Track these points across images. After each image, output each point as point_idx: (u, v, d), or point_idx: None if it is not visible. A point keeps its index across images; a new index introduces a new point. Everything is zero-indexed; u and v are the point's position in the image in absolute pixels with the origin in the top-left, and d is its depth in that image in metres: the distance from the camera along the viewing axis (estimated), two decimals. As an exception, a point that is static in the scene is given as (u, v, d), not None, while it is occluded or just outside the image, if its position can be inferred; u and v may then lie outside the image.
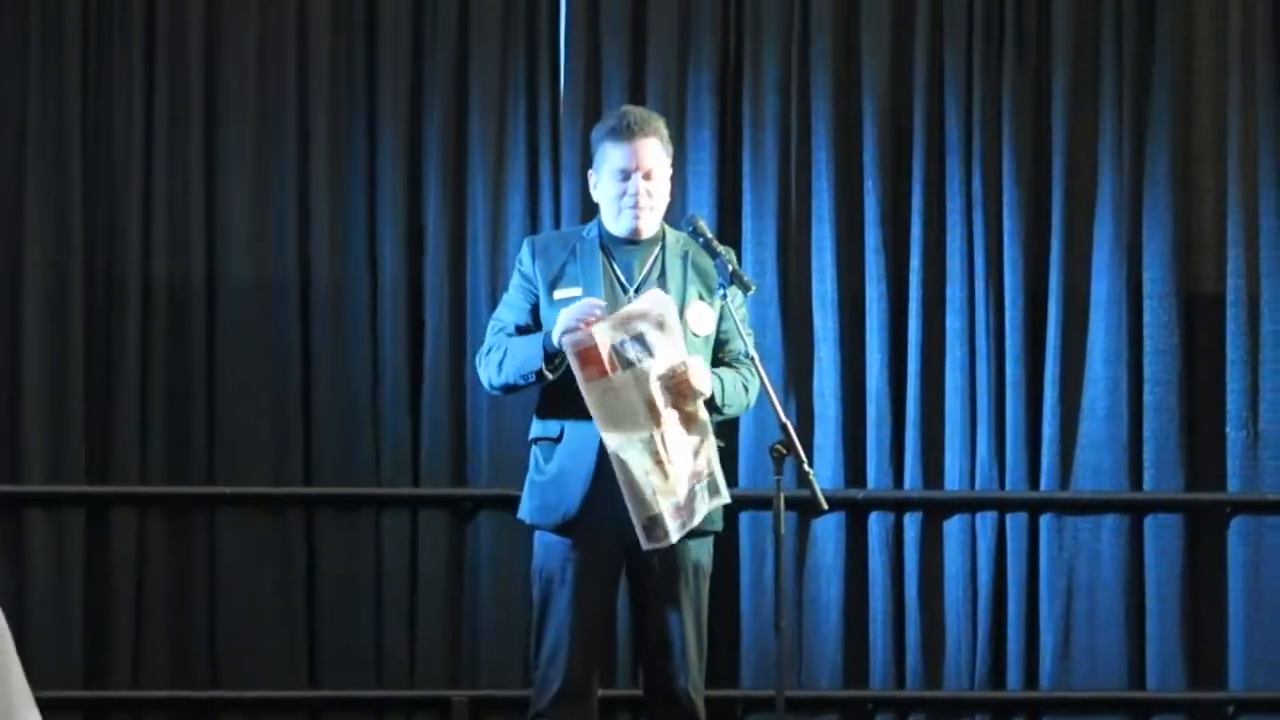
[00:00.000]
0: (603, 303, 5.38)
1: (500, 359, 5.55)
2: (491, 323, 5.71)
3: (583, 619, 5.51)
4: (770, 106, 6.95)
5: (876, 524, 6.90)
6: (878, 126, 6.94)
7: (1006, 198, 6.92)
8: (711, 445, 5.48)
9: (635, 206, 5.56)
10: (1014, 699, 6.92)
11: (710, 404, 5.49)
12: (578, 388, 5.35)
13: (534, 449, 5.60)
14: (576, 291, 5.51)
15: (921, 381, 6.90)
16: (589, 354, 5.33)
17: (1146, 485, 6.88)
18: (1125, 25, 6.93)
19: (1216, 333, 6.94)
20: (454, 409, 6.88)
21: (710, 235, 5.56)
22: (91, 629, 6.82)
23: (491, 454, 6.84)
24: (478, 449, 6.87)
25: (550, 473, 5.54)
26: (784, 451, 5.31)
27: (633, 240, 5.61)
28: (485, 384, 5.64)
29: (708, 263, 5.58)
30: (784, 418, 5.32)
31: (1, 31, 6.87)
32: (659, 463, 5.34)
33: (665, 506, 5.34)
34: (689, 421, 5.43)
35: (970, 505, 6.90)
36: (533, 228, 6.87)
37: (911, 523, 6.90)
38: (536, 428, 5.60)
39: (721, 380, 5.53)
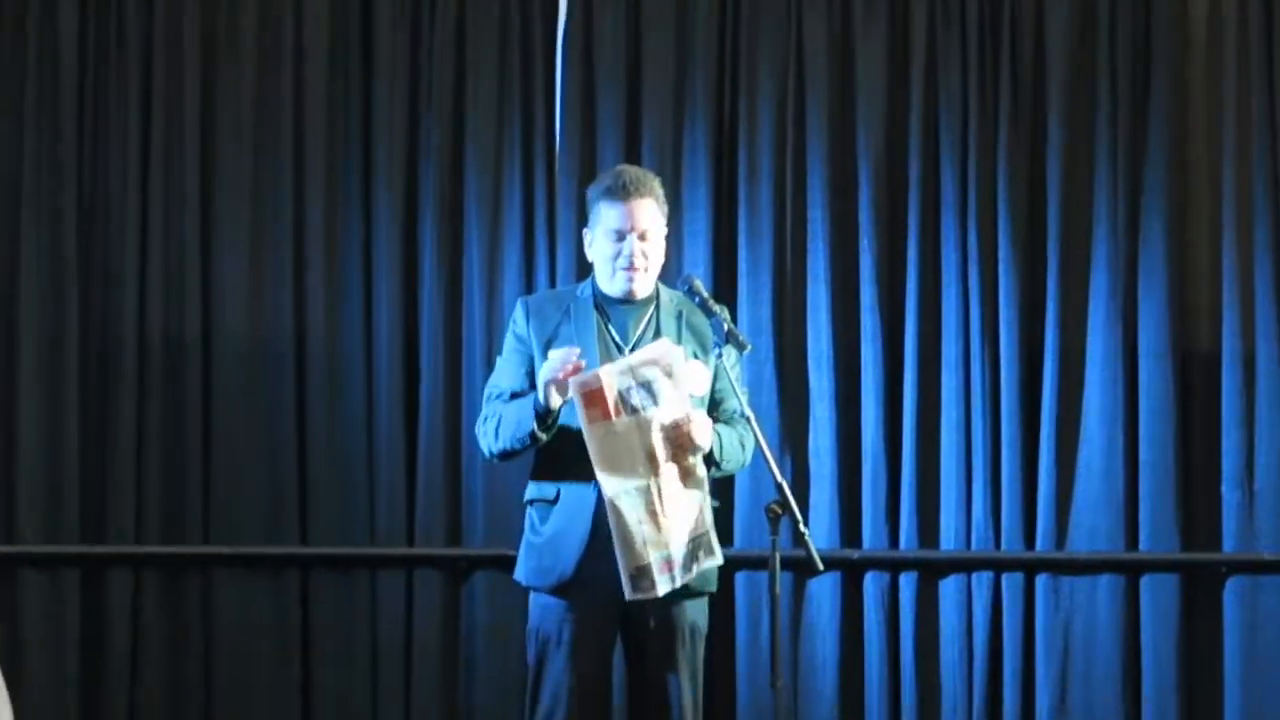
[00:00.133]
0: (579, 349, 5.37)
1: (496, 426, 5.55)
2: (487, 389, 5.71)
3: (579, 680, 5.50)
4: (765, 165, 6.96)
5: (872, 584, 6.89)
6: (873, 185, 6.95)
7: (1002, 256, 6.92)
8: (707, 504, 5.48)
9: (630, 268, 5.56)
10: (1011, 758, 6.92)
11: (708, 459, 5.49)
12: (573, 451, 5.36)
13: (530, 510, 5.60)
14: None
15: (917, 440, 6.89)
16: (594, 395, 5.33)
17: (1142, 545, 6.87)
18: (1120, 85, 6.95)
19: (1212, 392, 6.93)
20: (449, 469, 6.88)
21: (706, 294, 5.56)
22: (87, 689, 6.82)
23: (487, 514, 6.84)
24: (473, 509, 6.87)
25: (546, 534, 5.53)
26: (779, 511, 5.29)
27: (628, 300, 5.61)
28: (485, 452, 5.63)
29: (703, 322, 5.59)
30: (779, 477, 5.30)
31: (-3, 92, 6.92)
32: (653, 513, 5.34)
33: (655, 559, 5.33)
34: (687, 477, 5.43)
35: (966, 565, 6.89)
36: (528, 286, 6.89)
37: (907, 583, 6.89)
38: (532, 490, 5.59)
39: (720, 436, 5.54)
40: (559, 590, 5.50)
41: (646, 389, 5.36)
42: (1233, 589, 6.88)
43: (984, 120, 6.97)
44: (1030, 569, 6.89)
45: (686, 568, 5.39)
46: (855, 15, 7.00)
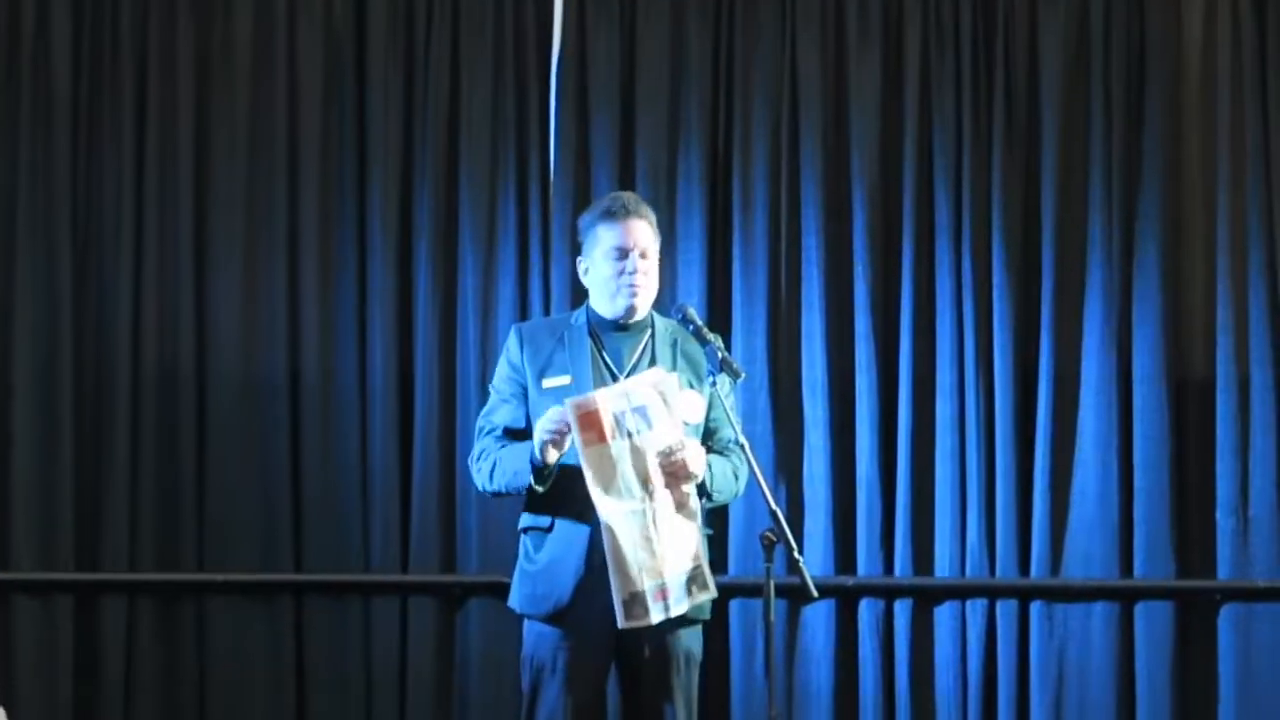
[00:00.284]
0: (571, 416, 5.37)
1: (490, 469, 5.55)
2: (480, 423, 5.71)
3: (574, 708, 5.49)
4: (760, 192, 6.97)
5: (867, 611, 6.88)
6: (867, 210, 6.95)
7: (996, 281, 6.93)
8: (702, 538, 5.48)
9: (633, 285, 5.56)
10: (1005, 786, 6.91)
11: (700, 489, 5.49)
12: (568, 485, 5.36)
13: (524, 538, 5.59)
14: (565, 380, 5.53)
15: (911, 468, 6.89)
16: (590, 418, 5.32)
17: (1137, 571, 6.86)
18: (1114, 109, 6.95)
19: (1207, 418, 6.93)
20: (444, 495, 6.88)
21: (700, 323, 5.56)
22: (81, 715, 6.82)
23: (481, 541, 6.84)
24: (467, 536, 6.87)
25: (541, 562, 5.53)
26: (774, 539, 5.28)
27: (622, 327, 5.61)
28: (478, 488, 5.64)
29: (697, 350, 5.59)
30: (774, 505, 5.29)
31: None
32: (648, 538, 5.33)
33: (649, 586, 5.32)
34: (681, 507, 5.42)
35: (961, 592, 6.88)
36: (522, 313, 6.89)
37: (902, 610, 6.88)
38: (526, 518, 5.59)
39: (711, 466, 5.53)
40: (554, 618, 5.49)
41: (641, 414, 5.36)
42: (1227, 616, 6.87)
43: (978, 144, 6.97)
44: (1025, 596, 6.88)
45: (680, 599, 5.38)
46: (849, 39, 7.01)
